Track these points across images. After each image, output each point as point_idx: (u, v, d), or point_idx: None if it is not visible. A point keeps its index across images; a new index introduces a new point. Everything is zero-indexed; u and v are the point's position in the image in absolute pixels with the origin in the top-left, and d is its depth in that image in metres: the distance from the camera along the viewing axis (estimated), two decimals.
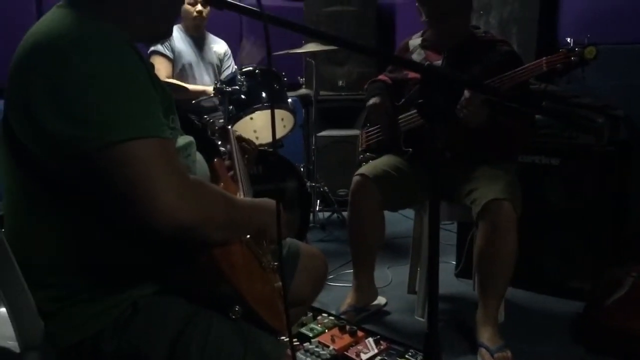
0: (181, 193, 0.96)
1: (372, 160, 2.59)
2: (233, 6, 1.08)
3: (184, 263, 1.08)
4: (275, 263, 1.31)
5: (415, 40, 2.58)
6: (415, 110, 2.40)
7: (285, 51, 3.31)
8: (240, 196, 1.49)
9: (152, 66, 1.19)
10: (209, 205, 1.04)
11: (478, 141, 2.33)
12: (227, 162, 1.64)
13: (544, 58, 2.10)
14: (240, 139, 1.79)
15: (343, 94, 4.37)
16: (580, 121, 2.52)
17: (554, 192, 2.74)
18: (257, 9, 1.04)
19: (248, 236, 1.23)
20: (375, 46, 4.43)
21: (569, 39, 2.11)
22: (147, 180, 0.93)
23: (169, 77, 3.36)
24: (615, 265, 2.44)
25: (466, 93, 2.11)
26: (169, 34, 1.29)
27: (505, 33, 3.62)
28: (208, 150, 1.43)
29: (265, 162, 2.94)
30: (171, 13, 1.23)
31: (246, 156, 1.78)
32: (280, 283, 1.27)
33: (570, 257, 2.71)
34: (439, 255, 1.04)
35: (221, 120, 2.92)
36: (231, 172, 1.60)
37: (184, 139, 1.23)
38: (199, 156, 1.34)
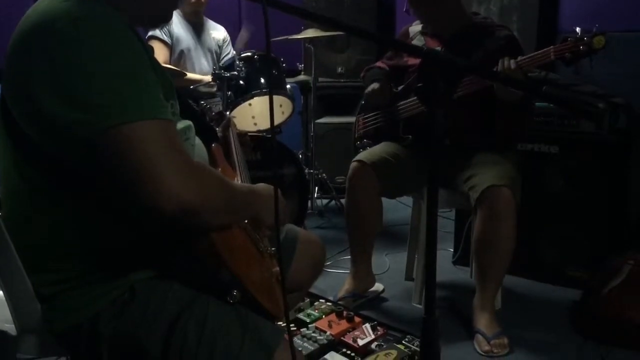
0: (184, 175, 0.95)
1: (369, 147, 2.58)
2: None
3: (182, 247, 1.08)
4: (273, 248, 1.31)
5: (416, 27, 2.57)
6: (415, 97, 2.39)
7: (285, 37, 3.29)
8: (238, 181, 1.48)
9: (152, 49, 1.18)
10: (211, 189, 1.03)
11: (477, 128, 2.33)
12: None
13: (552, 47, 2.08)
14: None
15: (342, 80, 4.35)
16: (581, 106, 2.50)
17: (553, 180, 2.74)
18: None
19: (246, 221, 1.23)
20: (375, 32, 4.40)
21: (577, 29, 2.08)
22: (151, 162, 0.92)
23: (166, 63, 3.34)
24: (614, 253, 2.44)
25: (505, 60, 2.09)
26: (168, 18, 1.28)
27: (506, 20, 3.60)
28: (206, 135, 1.42)
29: (263, 148, 2.93)
30: None
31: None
32: (278, 268, 1.27)
33: (569, 244, 2.71)
34: (436, 242, 1.03)
35: (219, 107, 2.91)
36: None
37: (183, 123, 1.22)
38: (197, 140, 1.33)
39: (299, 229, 1.63)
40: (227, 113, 2.88)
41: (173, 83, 1.19)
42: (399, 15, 4.79)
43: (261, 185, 1.26)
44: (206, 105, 2.72)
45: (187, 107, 1.52)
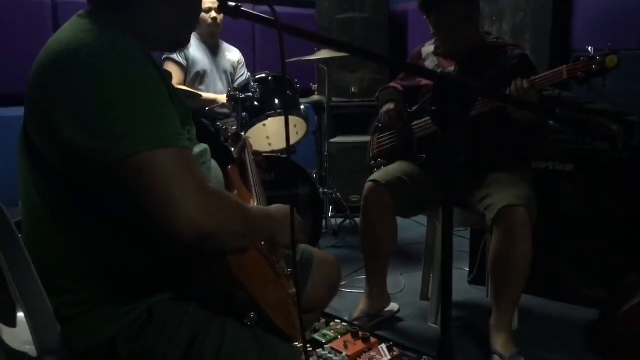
0: (201, 201, 0.97)
1: (383, 166, 2.59)
2: (248, 15, 1.09)
3: (199, 269, 1.09)
4: (289, 270, 1.32)
5: (428, 48, 2.59)
6: (429, 117, 2.40)
7: (298, 58, 3.32)
8: (254, 203, 1.50)
9: (169, 76, 1.20)
10: (227, 213, 1.05)
11: (492, 147, 2.33)
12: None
13: (565, 66, 2.08)
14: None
15: (355, 100, 4.38)
16: (595, 128, 2.50)
17: (568, 199, 2.73)
18: (272, 18, 1.05)
19: (262, 243, 1.24)
20: (387, 53, 4.43)
21: (590, 48, 2.09)
22: (168, 189, 0.95)
23: (180, 84, 3.38)
24: (630, 272, 2.42)
25: (518, 80, 2.10)
26: (187, 42, 1.31)
27: (518, 39, 3.61)
28: (222, 157, 1.44)
29: (278, 168, 2.95)
30: (190, 24, 1.25)
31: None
32: (294, 289, 1.28)
33: (585, 263, 2.69)
34: (452, 261, 1.04)
35: (234, 127, 2.94)
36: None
37: (199, 147, 1.24)
38: (213, 163, 1.35)
39: (315, 250, 1.64)
40: (242, 134, 2.92)
41: (189, 108, 1.21)
42: (411, 33, 4.82)
43: (276, 206, 1.27)
44: (222, 126, 2.75)
45: (203, 130, 1.55)
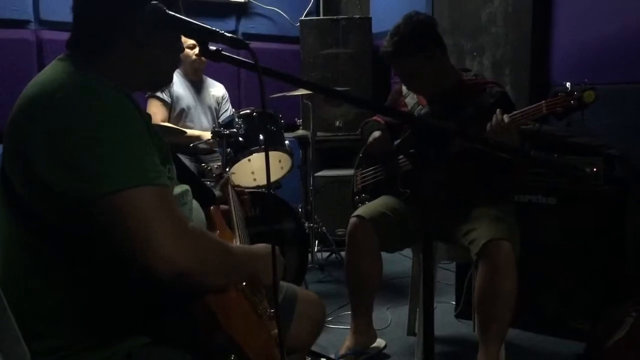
0: (179, 240, 0.97)
1: (367, 201, 2.59)
2: (228, 58, 1.11)
3: (179, 312, 1.08)
4: (272, 310, 1.31)
5: None
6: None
7: (282, 94, 3.34)
8: (236, 242, 1.49)
9: (149, 117, 1.21)
10: (206, 251, 1.05)
11: (474, 181, 2.35)
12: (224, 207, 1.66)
13: (544, 102, 2.11)
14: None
15: (340, 134, 4.40)
16: (567, 170, 2.55)
17: (551, 232, 2.74)
18: (252, 62, 1.07)
19: (244, 283, 1.23)
20: (371, 88, 4.47)
21: (568, 84, 2.12)
22: (146, 228, 0.95)
23: (165, 121, 3.39)
24: (615, 305, 2.42)
25: (497, 115, 2.12)
26: (167, 83, 1.32)
27: (498, 74, 3.68)
28: (204, 197, 1.44)
29: (262, 203, 2.95)
30: (166, 65, 1.26)
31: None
32: (276, 330, 1.27)
33: (570, 296, 2.69)
34: (433, 299, 1.04)
35: (218, 164, 2.94)
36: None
37: (180, 188, 1.25)
38: (195, 204, 1.35)
39: (298, 289, 1.63)
40: (227, 170, 2.93)
41: (169, 147, 1.22)
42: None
43: (258, 246, 1.27)
44: (206, 167, 2.76)
45: (184, 170, 1.55)
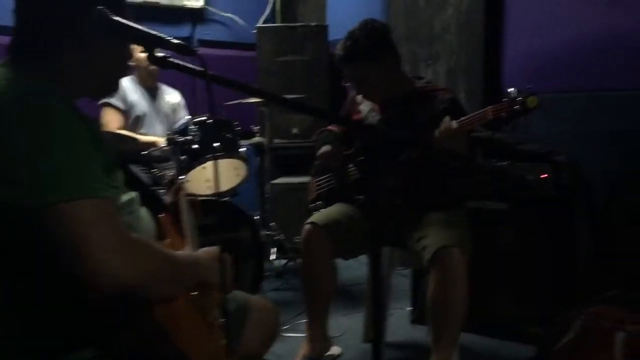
0: (121, 252, 0.96)
1: (323, 209, 2.60)
2: (176, 65, 1.09)
3: (124, 323, 1.06)
4: (223, 319, 1.30)
5: None
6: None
7: (238, 101, 3.33)
8: (188, 250, 1.47)
9: (95, 124, 1.19)
10: (150, 262, 1.03)
11: (427, 188, 2.37)
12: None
13: (489, 107, 2.16)
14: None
15: (297, 141, 4.40)
16: (511, 178, 2.62)
17: (504, 237, 2.79)
18: (202, 69, 1.06)
19: (195, 293, 1.22)
20: (328, 94, 4.48)
21: (512, 89, 2.17)
22: (87, 242, 0.93)
23: (120, 129, 3.34)
24: (564, 308, 2.48)
25: (446, 121, 2.14)
26: (114, 89, 1.30)
27: (452, 82, 3.74)
28: (153, 204, 1.42)
29: (217, 211, 2.93)
30: (116, 72, 1.24)
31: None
32: (225, 341, 1.25)
33: (522, 300, 2.74)
34: (385, 305, 1.05)
35: (172, 172, 2.91)
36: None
37: (127, 195, 1.22)
38: (144, 211, 1.33)
39: (250, 296, 1.62)
40: (183, 177, 2.89)
41: (116, 156, 1.20)
42: None
43: (207, 253, 1.26)
44: (158, 173, 2.72)
45: (133, 178, 1.53)
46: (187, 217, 1.64)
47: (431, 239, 2.21)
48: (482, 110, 2.18)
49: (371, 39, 2.33)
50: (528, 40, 3.47)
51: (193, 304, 1.20)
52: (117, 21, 1.05)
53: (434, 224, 2.29)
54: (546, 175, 2.71)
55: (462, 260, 2.15)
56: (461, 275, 2.15)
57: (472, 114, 2.21)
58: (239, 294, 1.57)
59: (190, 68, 1.08)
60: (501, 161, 2.85)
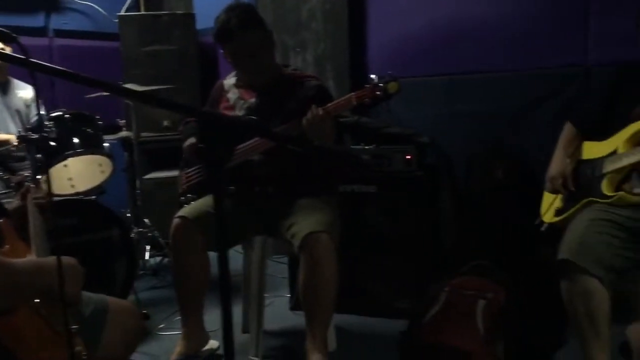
0: None
1: (194, 201, 2.54)
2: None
3: None
4: (75, 326, 1.22)
5: (230, 80, 2.60)
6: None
7: (99, 94, 3.16)
8: (32, 256, 1.37)
9: None
10: None
11: (295, 174, 2.39)
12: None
13: (353, 93, 2.21)
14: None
15: (168, 134, 4.26)
16: (348, 159, 2.72)
17: (374, 218, 2.88)
18: (23, 57, 0.98)
19: (37, 300, 1.13)
20: (199, 84, 4.38)
21: (373, 76, 2.23)
22: None
23: None
24: (434, 282, 2.60)
25: (313, 108, 2.17)
26: None
27: (321, 69, 3.79)
28: None
29: (81, 212, 2.78)
30: None
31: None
32: (80, 347, 1.19)
33: (395, 278, 2.85)
34: (230, 300, 1.03)
35: (27, 172, 2.71)
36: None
37: None
38: None
39: (110, 298, 1.54)
40: (39, 177, 2.70)
41: None
42: (222, 64, 4.83)
43: (50, 259, 1.18)
44: (3, 175, 2.53)
45: None
46: (34, 221, 1.53)
47: (300, 226, 2.23)
48: (347, 96, 2.22)
49: (253, 10, 2.36)
50: (390, 27, 3.59)
51: (37, 312, 1.12)
52: None
53: (303, 211, 2.31)
54: (410, 156, 2.82)
55: (331, 245, 2.18)
56: (330, 259, 2.18)
57: (337, 100, 2.25)
58: (96, 297, 1.50)
59: (11, 56, 0.99)
60: (368, 145, 2.94)
